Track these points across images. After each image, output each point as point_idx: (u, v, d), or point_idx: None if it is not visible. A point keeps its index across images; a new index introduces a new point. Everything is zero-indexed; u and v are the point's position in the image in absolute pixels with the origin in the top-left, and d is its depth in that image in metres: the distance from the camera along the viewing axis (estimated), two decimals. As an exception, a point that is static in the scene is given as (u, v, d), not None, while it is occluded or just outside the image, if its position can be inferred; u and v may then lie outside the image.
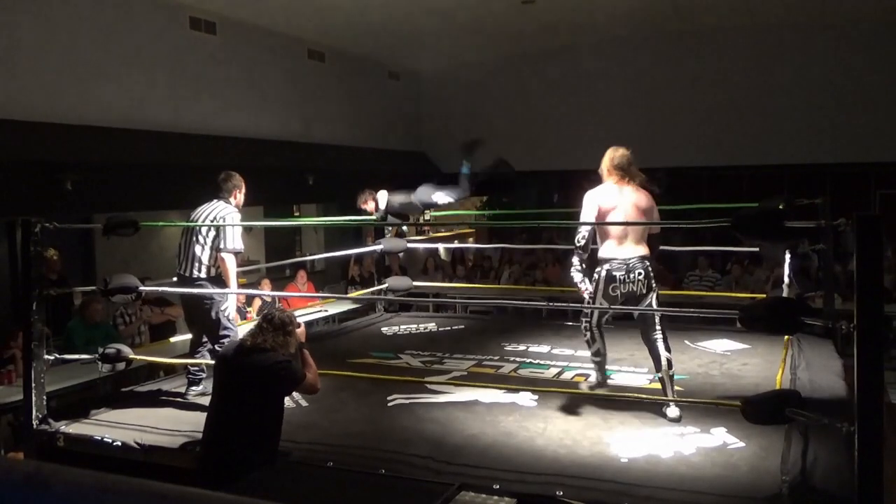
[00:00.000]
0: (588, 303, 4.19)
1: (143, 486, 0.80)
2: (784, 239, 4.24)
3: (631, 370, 5.09)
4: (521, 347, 5.81)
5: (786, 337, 5.30)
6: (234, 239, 4.52)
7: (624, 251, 4.13)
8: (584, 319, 4.34)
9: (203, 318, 4.57)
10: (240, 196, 4.74)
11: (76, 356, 4.80)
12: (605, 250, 4.18)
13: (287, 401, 4.40)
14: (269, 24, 9.13)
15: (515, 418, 4.08)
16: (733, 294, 8.00)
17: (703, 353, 5.58)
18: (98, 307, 6.66)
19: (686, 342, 5.86)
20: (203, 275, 4.55)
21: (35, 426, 4.09)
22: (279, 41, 9.58)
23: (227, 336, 4.47)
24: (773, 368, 4.96)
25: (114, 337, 6.60)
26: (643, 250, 4.16)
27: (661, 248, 4.52)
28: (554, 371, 5.10)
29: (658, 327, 4.13)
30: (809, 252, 7.76)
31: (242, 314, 7.87)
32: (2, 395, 5.48)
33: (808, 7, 10.09)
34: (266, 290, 8.22)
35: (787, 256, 6.06)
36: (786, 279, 6.00)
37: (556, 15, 10.14)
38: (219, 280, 4.58)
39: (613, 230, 4.15)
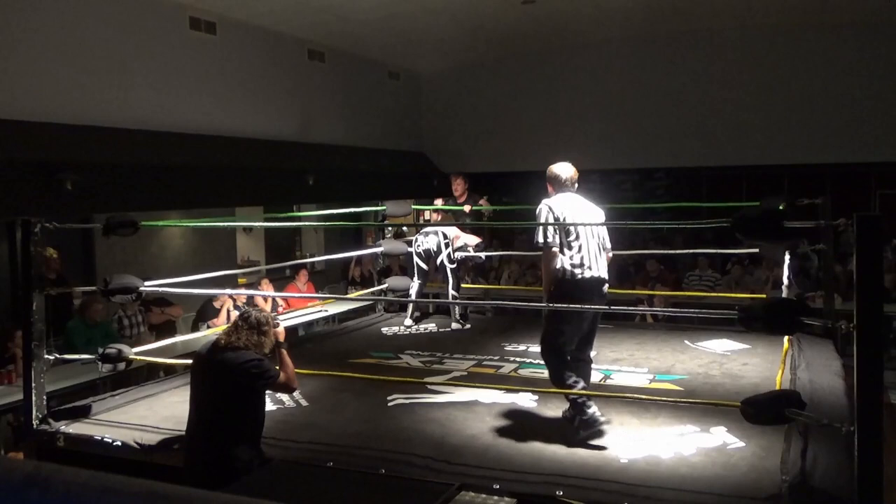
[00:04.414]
0: None
1: (143, 486, 0.80)
2: (784, 239, 4.25)
3: (631, 370, 5.10)
4: (521, 347, 5.80)
5: (786, 337, 5.30)
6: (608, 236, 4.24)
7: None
8: None
9: (592, 324, 4.14)
10: None
11: (76, 356, 4.80)
12: None
13: (287, 400, 4.41)
14: (269, 24, 9.11)
15: (515, 418, 4.08)
16: (733, 294, 8.00)
17: (703, 353, 5.58)
18: (98, 307, 6.66)
19: (686, 342, 5.86)
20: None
21: (35, 426, 4.09)
22: (279, 41, 9.56)
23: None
24: (773, 368, 4.96)
25: (114, 337, 6.60)
26: None
27: (663, 251, 4.61)
28: (554, 371, 5.09)
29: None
30: (809, 252, 7.76)
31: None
32: (2, 395, 5.48)
33: (808, 7, 10.09)
34: (266, 291, 8.20)
35: (787, 256, 6.07)
36: (786, 279, 6.00)
37: (556, 15, 10.12)
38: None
39: None
